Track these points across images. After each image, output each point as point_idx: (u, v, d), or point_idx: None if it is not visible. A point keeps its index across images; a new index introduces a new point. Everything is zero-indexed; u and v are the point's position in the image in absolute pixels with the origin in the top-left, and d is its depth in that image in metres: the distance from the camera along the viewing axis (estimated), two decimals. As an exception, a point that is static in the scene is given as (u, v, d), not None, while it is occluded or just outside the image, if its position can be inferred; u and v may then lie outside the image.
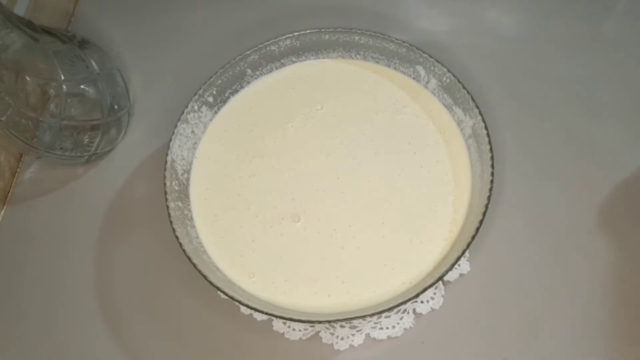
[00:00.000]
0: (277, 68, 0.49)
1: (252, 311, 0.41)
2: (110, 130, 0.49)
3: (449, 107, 0.45)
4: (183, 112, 0.45)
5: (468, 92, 0.43)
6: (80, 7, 0.59)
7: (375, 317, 0.39)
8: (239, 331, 0.42)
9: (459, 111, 0.44)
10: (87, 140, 0.47)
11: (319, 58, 0.49)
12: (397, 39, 0.46)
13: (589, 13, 0.52)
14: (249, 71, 0.48)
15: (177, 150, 0.44)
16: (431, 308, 0.41)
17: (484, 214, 0.38)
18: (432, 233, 0.41)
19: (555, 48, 0.50)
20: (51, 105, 0.45)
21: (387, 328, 0.40)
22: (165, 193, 0.42)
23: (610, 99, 0.48)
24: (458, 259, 0.37)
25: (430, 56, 0.44)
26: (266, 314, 0.38)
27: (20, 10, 0.52)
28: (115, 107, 0.48)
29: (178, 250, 0.40)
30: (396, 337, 0.40)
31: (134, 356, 0.42)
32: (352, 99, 0.47)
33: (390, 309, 0.36)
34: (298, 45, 0.48)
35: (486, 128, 0.41)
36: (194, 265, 0.39)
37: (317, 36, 0.47)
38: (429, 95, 0.46)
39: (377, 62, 0.48)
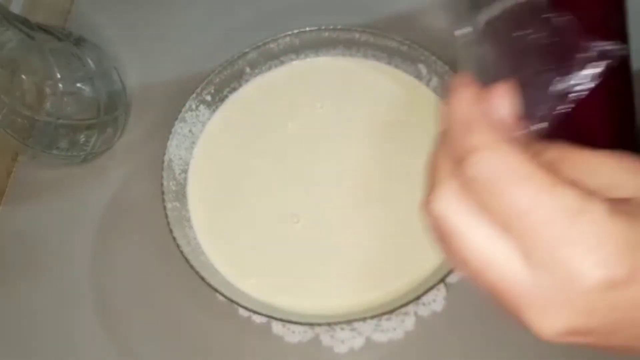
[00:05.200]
0: (276, 66, 0.48)
1: (251, 313, 0.41)
2: (106, 130, 0.49)
3: (451, 106, 0.45)
4: (181, 111, 0.45)
5: (470, 91, 0.42)
6: (77, 5, 0.59)
7: (376, 319, 0.39)
8: (237, 333, 0.41)
9: (461, 110, 0.44)
10: (83, 139, 0.47)
11: (318, 56, 0.48)
12: (398, 37, 0.45)
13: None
14: (248, 69, 0.47)
15: (175, 149, 0.44)
16: (433, 310, 0.40)
17: (487, 214, 0.38)
18: (434, 234, 0.41)
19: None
20: (47, 104, 0.45)
21: (388, 331, 0.40)
22: (163, 193, 0.42)
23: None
24: (460, 260, 0.37)
25: (432, 54, 0.44)
26: (265, 316, 0.38)
27: (16, 7, 0.51)
28: (112, 105, 0.48)
29: (176, 251, 0.39)
30: (397, 340, 0.40)
31: (131, 357, 0.42)
32: (352, 97, 0.46)
33: (391, 312, 0.36)
34: (297, 42, 0.47)
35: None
36: (192, 267, 0.39)
37: (316, 34, 0.47)
38: (430, 93, 0.46)
39: (378, 60, 0.47)
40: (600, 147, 0.24)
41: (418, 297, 0.36)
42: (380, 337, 0.40)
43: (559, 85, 0.21)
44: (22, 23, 0.43)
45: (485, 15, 0.27)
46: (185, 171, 0.45)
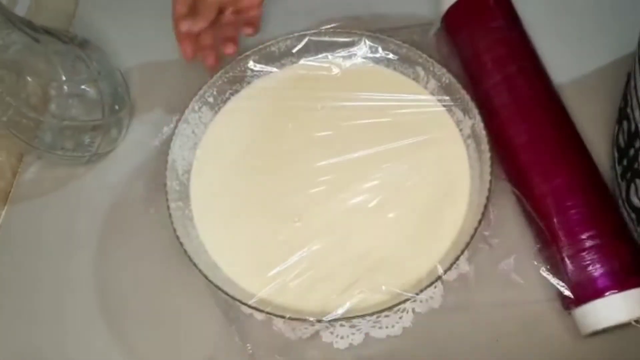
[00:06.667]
0: (277, 68, 0.49)
1: (252, 310, 0.41)
2: (111, 131, 0.49)
3: (448, 108, 0.45)
4: (184, 112, 0.45)
5: (467, 93, 0.43)
6: (81, 8, 0.59)
7: (375, 316, 0.39)
8: (239, 330, 0.42)
9: (458, 111, 0.44)
10: (88, 140, 0.47)
11: (319, 58, 0.49)
12: (396, 40, 0.46)
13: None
14: (249, 71, 0.48)
15: (178, 150, 0.45)
16: (430, 307, 0.41)
17: (483, 214, 0.38)
18: (431, 233, 0.41)
19: (556, 47, 0.50)
20: (52, 105, 0.45)
21: (387, 327, 0.40)
22: (166, 193, 0.42)
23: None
24: (457, 258, 0.37)
25: (430, 57, 0.45)
26: (266, 313, 0.38)
27: (20, 10, 0.52)
28: (116, 107, 0.49)
29: (179, 250, 0.40)
30: (395, 336, 0.40)
31: (133, 355, 0.42)
32: (352, 99, 0.47)
33: (389, 308, 0.37)
34: (298, 45, 0.48)
35: (485, 128, 0.41)
36: (195, 265, 0.39)
37: (316, 37, 0.47)
38: (428, 95, 0.46)
39: (377, 63, 0.48)
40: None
41: (416, 294, 0.37)
42: (378, 333, 0.40)
43: None
44: (27, 26, 0.43)
45: None
46: (188, 171, 0.45)
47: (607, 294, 0.35)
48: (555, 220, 0.38)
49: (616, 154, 0.40)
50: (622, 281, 0.36)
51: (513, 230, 0.43)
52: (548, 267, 0.39)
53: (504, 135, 0.41)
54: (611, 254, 0.36)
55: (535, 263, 0.41)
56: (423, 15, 0.51)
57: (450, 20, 0.46)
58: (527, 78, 0.42)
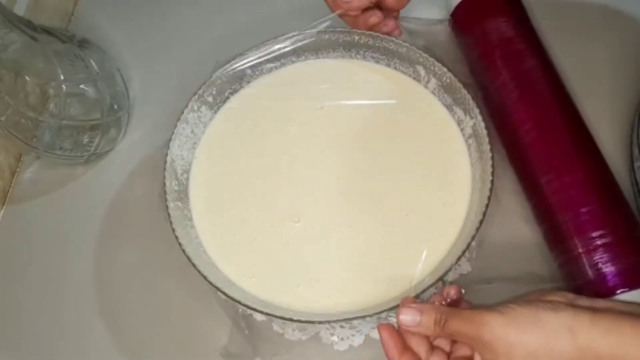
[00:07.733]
0: (276, 68, 0.48)
1: (252, 311, 0.41)
2: (109, 130, 0.49)
3: (449, 107, 0.45)
4: (183, 112, 0.45)
5: (468, 92, 0.43)
6: (80, 7, 0.60)
7: (375, 317, 0.39)
8: (238, 331, 0.41)
9: (459, 111, 0.44)
10: (86, 140, 0.47)
11: (318, 58, 0.48)
12: (396, 39, 0.45)
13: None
14: (249, 71, 0.48)
15: (177, 150, 0.44)
16: (431, 308, 0.41)
17: (484, 213, 0.38)
18: (432, 233, 0.41)
19: (565, 44, 0.49)
20: (51, 105, 0.45)
21: (387, 328, 0.40)
22: (165, 193, 0.42)
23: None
24: (458, 259, 0.37)
25: (430, 56, 0.44)
26: (266, 314, 0.38)
27: (19, 9, 0.52)
28: (115, 106, 0.49)
29: (178, 250, 0.40)
30: (396, 337, 0.40)
31: (133, 356, 0.42)
32: (352, 98, 0.47)
33: (390, 309, 0.36)
34: (298, 44, 0.47)
35: (486, 128, 0.41)
36: (194, 266, 0.39)
37: (317, 36, 0.47)
38: (429, 95, 0.46)
39: (377, 62, 0.48)
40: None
41: (417, 295, 0.36)
42: (379, 335, 0.40)
43: None
44: (26, 25, 0.43)
45: None
46: (187, 171, 0.45)
47: (618, 292, 0.35)
48: (566, 217, 0.38)
49: (636, 151, 0.40)
50: (633, 280, 0.35)
51: (518, 229, 0.43)
52: (557, 265, 0.39)
53: (516, 131, 0.41)
54: (622, 252, 0.36)
55: (544, 262, 0.40)
56: (431, 13, 0.51)
57: (460, 17, 0.46)
58: (539, 75, 0.42)
